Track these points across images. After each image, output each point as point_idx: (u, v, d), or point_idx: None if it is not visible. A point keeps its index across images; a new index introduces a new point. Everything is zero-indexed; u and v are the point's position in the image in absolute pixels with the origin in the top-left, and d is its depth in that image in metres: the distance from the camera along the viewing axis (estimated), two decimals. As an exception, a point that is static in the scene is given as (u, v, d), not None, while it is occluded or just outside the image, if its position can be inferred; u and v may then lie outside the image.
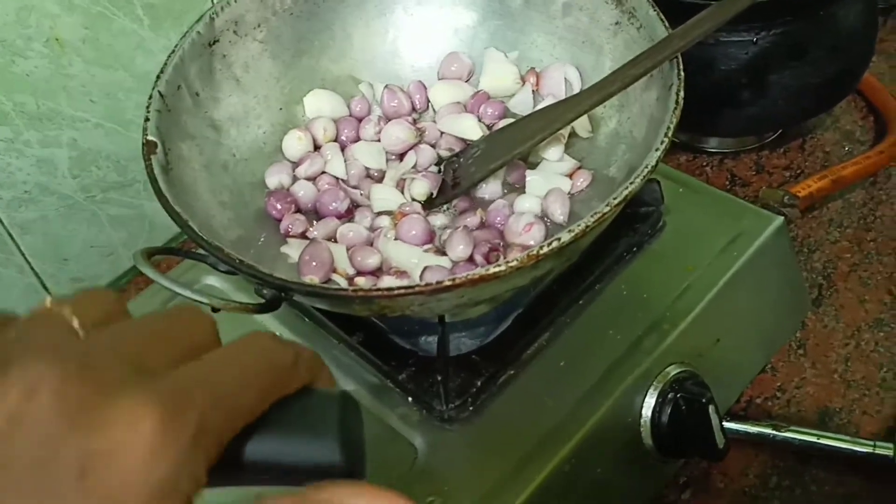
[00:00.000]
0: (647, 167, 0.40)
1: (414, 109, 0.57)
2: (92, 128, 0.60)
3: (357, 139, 0.55)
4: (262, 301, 0.39)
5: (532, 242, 0.47)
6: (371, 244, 0.49)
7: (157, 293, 0.57)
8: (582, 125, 0.53)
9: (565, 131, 0.52)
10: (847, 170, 0.64)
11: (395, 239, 0.48)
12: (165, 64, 0.48)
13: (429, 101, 0.57)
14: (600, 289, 0.51)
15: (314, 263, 0.46)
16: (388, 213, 0.51)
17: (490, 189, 0.51)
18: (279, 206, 0.50)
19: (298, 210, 0.51)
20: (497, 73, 0.56)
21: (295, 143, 0.54)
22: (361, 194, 0.52)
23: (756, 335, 0.56)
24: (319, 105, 0.56)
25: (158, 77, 0.47)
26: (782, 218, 0.54)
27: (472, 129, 0.54)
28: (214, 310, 0.38)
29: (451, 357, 0.47)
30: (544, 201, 0.49)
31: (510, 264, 0.37)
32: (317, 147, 0.55)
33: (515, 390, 0.47)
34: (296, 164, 0.53)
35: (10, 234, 0.60)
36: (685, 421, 0.46)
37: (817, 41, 0.64)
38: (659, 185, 0.53)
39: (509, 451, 0.44)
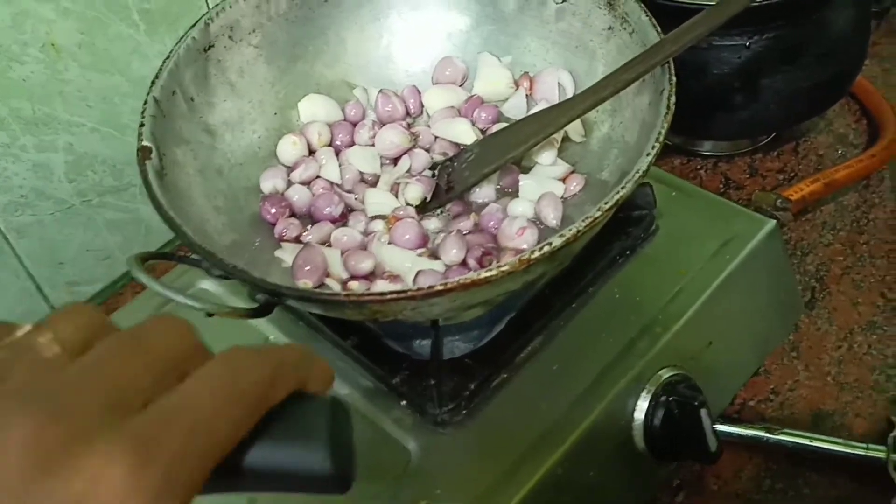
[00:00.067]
0: (638, 172, 0.40)
1: (408, 114, 0.57)
2: (88, 132, 0.61)
3: (352, 144, 0.55)
4: (256, 306, 0.39)
5: (525, 246, 0.47)
6: (365, 248, 0.49)
7: (152, 297, 0.57)
8: (575, 129, 0.53)
9: (558, 136, 0.52)
10: (839, 173, 0.65)
11: (389, 243, 0.49)
12: (160, 69, 0.48)
13: (423, 105, 0.57)
14: (593, 292, 0.51)
15: (308, 268, 0.46)
16: (383, 217, 0.51)
17: (483, 193, 0.52)
18: (273, 211, 0.51)
19: (293, 214, 0.52)
20: (491, 78, 0.57)
21: (289, 148, 0.54)
22: (356, 198, 0.52)
23: (749, 338, 0.56)
24: (314, 110, 0.56)
25: (153, 82, 0.48)
26: (775, 221, 0.54)
27: (465, 134, 0.54)
28: (210, 314, 0.38)
29: (445, 361, 0.47)
30: (537, 205, 0.49)
31: (502, 269, 0.37)
32: (311, 152, 0.55)
33: (509, 394, 0.47)
34: (290, 169, 0.54)
35: (6, 239, 0.60)
36: (677, 424, 0.47)
37: (810, 45, 0.64)
38: (651, 189, 0.54)
39: (502, 454, 0.45)
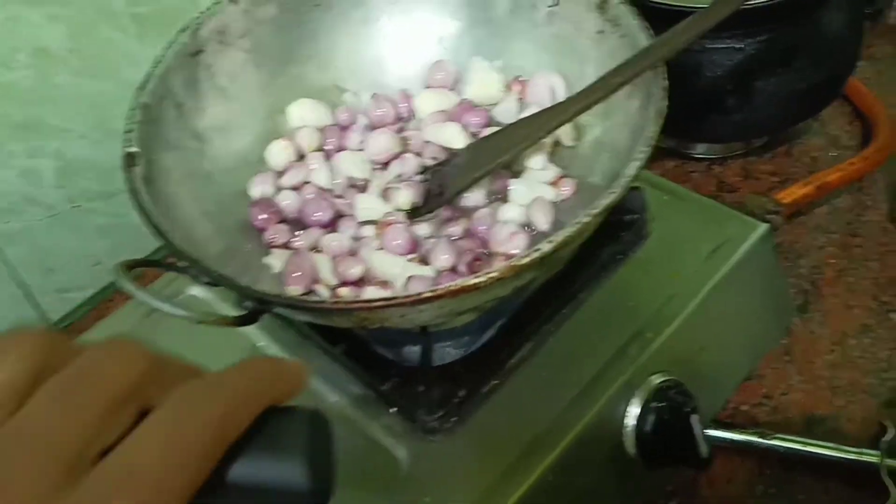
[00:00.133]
0: (627, 177, 0.40)
1: (399, 118, 0.57)
2: (77, 138, 0.60)
3: (342, 148, 0.55)
4: (243, 313, 0.39)
5: (515, 251, 0.47)
6: (355, 254, 0.49)
7: (142, 303, 0.57)
8: (566, 133, 0.53)
9: (549, 140, 0.52)
10: (831, 176, 0.64)
11: (379, 248, 0.48)
12: (149, 75, 0.48)
13: (414, 109, 0.57)
14: (585, 297, 0.51)
15: (297, 274, 0.46)
16: (373, 222, 0.51)
17: (474, 198, 0.51)
18: (263, 217, 0.50)
19: (282, 220, 0.51)
20: (482, 82, 0.56)
21: (279, 153, 0.54)
22: (346, 204, 0.52)
23: (741, 342, 0.56)
24: (304, 114, 0.56)
25: (141, 88, 0.47)
26: (767, 225, 0.54)
27: (456, 138, 0.54)
28: (202, 322, 0.38)
29: (435, 367, 0.47)
30: (528, 210, 0.49)
31: (490, 275, 0.37)
32: (301, 156, 0.55)
33: (499, 400, 0.47)
34: (280, 174, 0.53)
35: (-5, 245, 0.60)
36: (669, 430, 0.46)
37: (803, 48, 0.64)
38: (643, 193, 0.53)
39: (493, 461, 0.44)
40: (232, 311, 0.40)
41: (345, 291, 0.46)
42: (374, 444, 0.46)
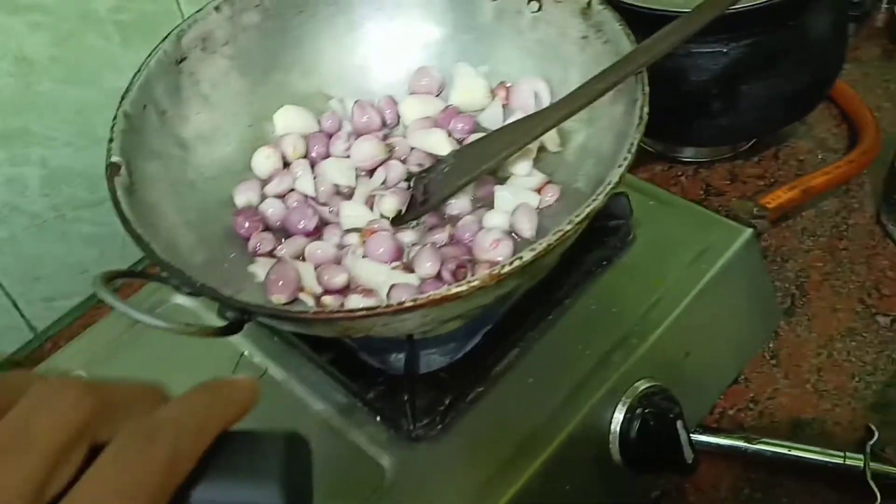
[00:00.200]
0: (609, 183, 0.40)
1: (384, 124, 0.57)
2: (62, 146, 0.60)
3: (327, 155, 0.55)
4: (225, 324, 0.39)
5: (500, 259, 0.47)
6: (339, 262, 0.49)
7: (122, 314, 0.57)
8: (551, 139, 0.53)
9: (534, 146, 0.52)
10: (817, 180, 0.64)
11: (364, 256, 0.48)
12: (131, 83, 0.48)
13: (399, 116, 0.57)
14: (570, 304, 0.51)
15: (280, 283, 0.46)
16: (357, 230, 0.51)
17: (459, 205, 0.51)
18: (247, 225, 0.50)
19: (267, 228, 0.51)
20: (467, 88, 0.56)
21: (264, 161, 0.53)
22: (330, 211, 0.52)
23: (727, 347, 0.56)
24: (289, 121, 0.56)
25: (124, 97, 0.47)
26: (752, 230, 0.54)
27: (441, 144, 0.54)
28: (183, 334, 0.38)
29: (420, 375, 0.47)
30: (512, 217, 0.49)
31: (472, 284, 0.37)
32: (286, 164, 0.54)
33: (485, 407, 0.47)
34: (265, 182, 0.53)
35: (-21, 255, 0.60)
36: (653, 436, 0.46)
37: (788, 51, 0.64)
38: (628, 199, 0.53)
39: (478, 469, 0.44)
40: (217, 321, 0.40)
41: (329, 300, 0.46)
42: (359, 453, 0.46)
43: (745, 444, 0.52)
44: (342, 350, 0.49)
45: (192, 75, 0.52)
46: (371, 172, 0.54)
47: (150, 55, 0.49)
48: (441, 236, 0.49)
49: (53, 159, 0.60)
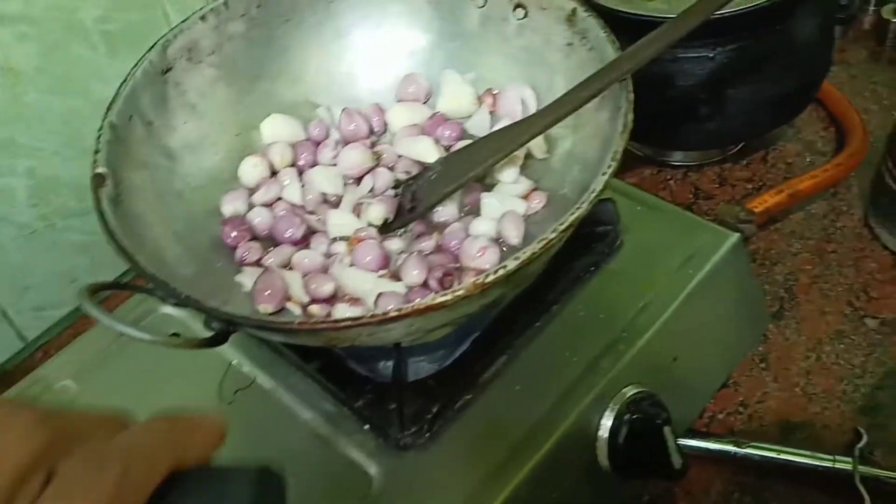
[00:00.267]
0: (594, 192, 0.40)
1: (372, 132, 0.57)
2: (49, 156, 0.60)
3: (315, 163, 0.55)
4: (211, 335, 0.39)
5: (487, 266, 0.47)
6: (327, 271, 0.49)
7: (107, 327, 0.57)
8: (538, 146, 0.53)
9: (520, 153, 0.52)
10: (804, 183, 0.65)
11: (351, 265, 0.48)
12: (116, 94, 0.48)
13: (387, 123, 0.57)
14: (557, 310, 0.51)
15: (267, 292, 0.46)
16: (345, 238, 0.51)
17: (447, 212, 0.51)
18: (234, 234, 0.50)
19: (254, 237, 0.51)
20: (454, 95, 0.57)
21: (251, 170, 0.54)
22: (318, 220, 0.52)
23: (715, 352, 0.56)
24: (277, 130, 0.56)
25: (109, 108, 0.47)
26: (738, 234, 0.54)
27: (428, 152, 0.54)
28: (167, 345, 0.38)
29: (408, 383, 0.47)
30: (499, 224, 0.49)
31: (456, 293, 0.37)
32: (274, 173, 0.54)
33: (473, 415, 0.47)
34: (252, 191, 0.53)
35: (-32, 265, 0.60)
36: (641, 442, 0.46)
37: (774, 55, 0.64)
38: (614, 205, 0.54)
39: (466, 477, 0.44)
40: (206, 331, 0.40)
41: (316, 309, 0.46)
42: (347, 462, 0.46)
43: (735, 449, 0.52)
44: (330, 358, 0.49)
45: (179, 85, 0.52)
46: (358, 180, 0.54)
47: (135, 66, 0.49)
48: (428, 244, 0.49)
49: (41, 169, 0.60)
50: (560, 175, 0.51)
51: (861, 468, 0.50)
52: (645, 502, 0.52)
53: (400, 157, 0.55)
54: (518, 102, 0.54)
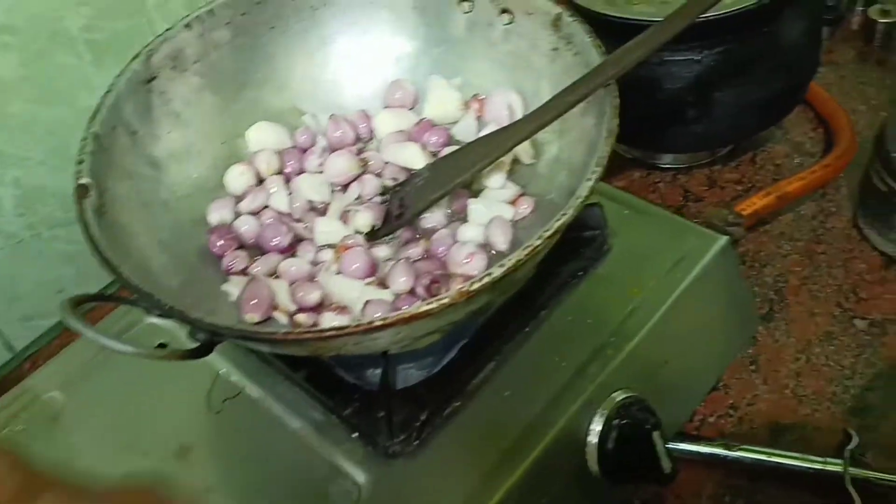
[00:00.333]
0: (579, 197, 0.40)
1: (359, 139, 0.56)
2: (36, 165, 0.60)
3: (302, 171, 0.55)
4: (195, 346, 0.38)
5: (474, 272, 0.47)
6: (314, 279, 0.49)
7: (106, 329, 0.57)
8: (525, 151, 0.53)
9: (507, 158, 0.52)
10: (792, 185, 0.65)
11: (338, 273, 0.48)
12: (100, 104, 0.48)
13: (373, 129, 0.57)
14: (546, 315, 0.51)
15: (254, 301, 0.46)
16: (332, 246, 0.50)
17: (434, 218, 0.51)
18: (221, 243, 0.50)
19: (241, 246, 0.51)
20: (441, 100, 0.56)
21: (237, 178, 0.53)
22: (305, 227, 0.52)
23: (705, 355, 0.56)
24: (263, 137, 0.56)
25: (92, 118, 0.47)
26: (727, 237, 0.54)
27: (415, 158, 0.53)
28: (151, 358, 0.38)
29: (397, 390, 0.47)
30: (487, 230, 0.49)
31: (441, 301, 0.36)
32: (260, 180, 0.54)
33: (461, 422, 0.47)
34: (239, 199, 0.53)
35: (-45, 276, 0.60)
36: (631, 447, 0.46)
37: (760, 57, 0.64)
38: (601, 209, 0.53)
39: (455, 484, 0.44)
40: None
41: (302, 318, 0.46)
42: (336, 470, 0.46)
43: (725, 452, 0.52)
44: (319, 367, 0.49)
45: (164, 94, 0.52)
46: (345, 187, 0.54)
47: (119, 75, 0.49)
48: (416, 251, 0.49)
49: (27, 179, 0.60)
50: (547, 180, 0.51)
51: (851, 470, 0.50)
52: (636, 506, 0.52)
53: (387, 163, 0.54)
54: (504, 108, 0.54)
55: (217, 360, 0.52)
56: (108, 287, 0.65)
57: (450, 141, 0.55)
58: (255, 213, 0.53)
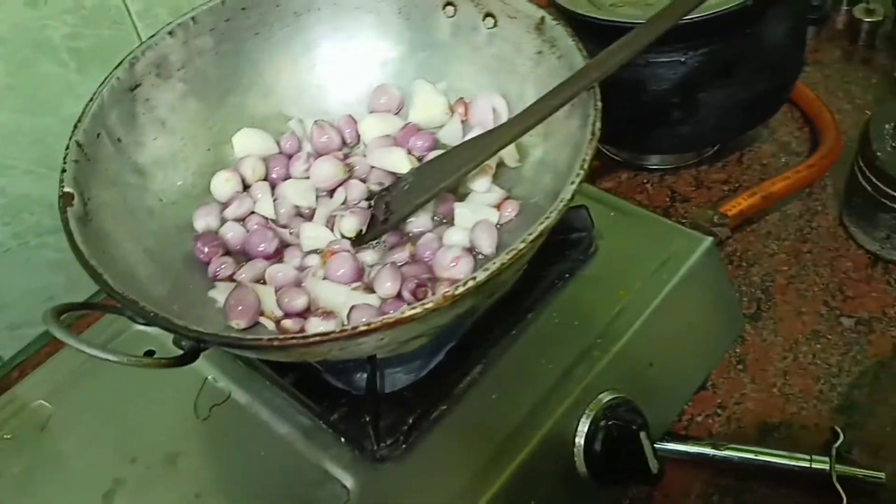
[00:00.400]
0: (563, 200, 0.40)
1: (344, 144, 0.57)
2: (21, 174, 0.60)
3: (287, 177, 0.55)
4: (180, 353, 0.38)
5: (460, 276, 0.47)
6: (300, 284, 0.49)
7: (94, 336, 0.57)
8: (510, 154, 0.53)
9: (493, 162, 0.52)
10: (777, 185, 0.65)
11: (324, 278, 0.48)
12: (83, 113, 0.48)
13: (359, 134, 0.57)
14: (532, 318, 0.51)
15: (240, 308, 0.46)
16: (318, 251, 0.50)
17: (420, 222, 0.51)
18: (207, 250, 0.50)
19: (227, 252, 0.51)
20: (426, 105, 0.57)
21: (223, 184, 0.53)
22: (291, 233, 0.52)
23: (691, 355, 0.56)
24: (248, 144, 0.56)
25: (76, 126, 0.47)
26: (712, 238, 0.54)
27: (401, 163, 0.54)
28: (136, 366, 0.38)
29: (384, 394, 0.47)
30: (472, 233, 0.49)
31: (426, 306, 0.36)
32: (246, 187, 0.54)
33: (448, 425, 0.47)
34: (225, 206, 0.53)
35: (-59, 286, 0.59)
36: (617, 448, 0.46)
37: (745, 58, 0.64)
38: (588, 211, 0.54)
39: (443, 487, 0.44)
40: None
41: (289, 323, 0.46)
42: (324, 475, 0.46)
43: (713, 451, 0.52)
44: (306, 372, 0.49)
45: (148, 101, 0.52)
46: (331, 193, 0.54)
47: (102, 83, 0.49)
48: (402, 255, 0.49)
49: (13, 188, 0.60)
50: (532, 183, 0.51)
51: (838, 467, 0.50)
52: (625, 507, 0.52)
53: (372, 168, 0.54)
54: (489, 111, 0.54)
55: (204, 367, 0.52)
56: (96, 295, 0.65)
57: (435, 145, 0.55)
58: (241, 220, 0.53)
